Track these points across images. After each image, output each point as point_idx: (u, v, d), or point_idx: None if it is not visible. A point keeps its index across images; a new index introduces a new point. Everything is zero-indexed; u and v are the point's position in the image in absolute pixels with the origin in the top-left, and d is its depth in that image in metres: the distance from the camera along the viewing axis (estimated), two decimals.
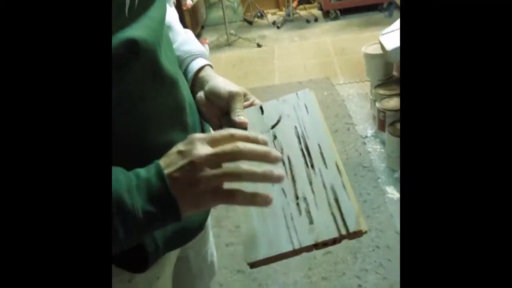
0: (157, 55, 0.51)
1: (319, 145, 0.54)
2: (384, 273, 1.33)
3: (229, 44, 3.53)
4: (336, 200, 0.49)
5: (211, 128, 0.67)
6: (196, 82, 0.62)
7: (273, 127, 0.59)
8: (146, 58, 0.49)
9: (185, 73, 0.63)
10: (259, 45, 3.38)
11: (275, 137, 0.57)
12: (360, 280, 1.33)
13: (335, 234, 0.46)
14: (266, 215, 0.50)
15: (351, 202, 0.48)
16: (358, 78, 2.50)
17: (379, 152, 1.86)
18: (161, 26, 0.54)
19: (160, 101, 0.53)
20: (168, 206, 0.43)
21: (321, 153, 0.53)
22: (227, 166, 0.45)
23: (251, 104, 0.62)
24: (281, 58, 3.10)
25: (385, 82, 1.94)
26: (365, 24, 3.40)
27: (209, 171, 0.44)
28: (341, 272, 1.36)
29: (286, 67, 2.93)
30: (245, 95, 0.61)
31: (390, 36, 1.53)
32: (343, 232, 0.46)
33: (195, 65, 0.63)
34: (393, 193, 1.63)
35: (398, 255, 1.38)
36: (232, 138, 0.46)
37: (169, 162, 0.44)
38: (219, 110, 0.60)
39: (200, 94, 0.61)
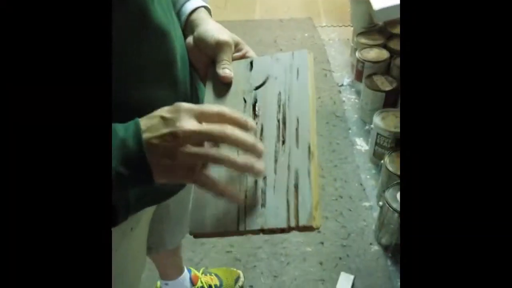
0: (147, 3, 0.45)
1: (297, 119, 0.50)
2: (343, 221, 1.39)
3: None
4: (296, 187, 0.46)
5: (202, 85, 0.63)
6: (187, 25, 0.56)
7: (257, 88, 0.54)
8: (133, 5, 0.43)
9: (178, 15, 0.57)
10: None
11: (255, 100, 0.53)
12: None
13: (283, 225, 0.44)
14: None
15: (310, 192, 0.45)
16: (341, 21, 2.42)
17: (353, 102, 1.85)
18: None
19: (148, 54, 0.48)
20: (141, 171, 0.40)
21: (297, 130, 0.49)
22: (208, 146, 0.43)
23: (243, 56, 0.57)
24: None
25: (368, 30, 1.89)
26: None
27: (189, 148, 0.41)
28: None
29: (268, 1, 2.78)
30: (237, 44, 0.56)
31: None
32: (292, 224, 0.44)
33: (189, 6, 0.57)
34: (362, 145, 1.65)
35: (359, 205, 1.44)
36: (222, 117, 0.43)
37: (150, 126, 0.41)
38: (207, 58, 0.55)
39: (189, 39, 0.56)
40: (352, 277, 1.21)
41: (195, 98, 0.61)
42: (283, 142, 0.49)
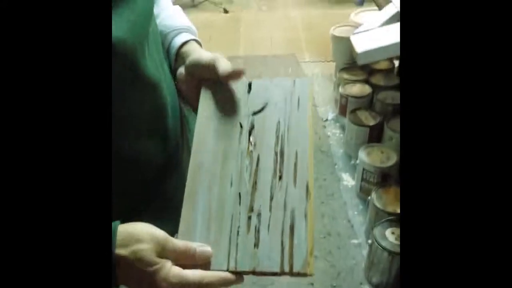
0: (137, 57, 0.44)
1: (296, 154, 0.48)
2: (333, 260, 1.36)
3: (194, 5, 3.36)
4: (292, 228, 0.44)
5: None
6: (178, 57, 0.55)
7: (255, 113, 0.51)
8: (123, 60, 0.42)
9: (168, 50, 0.56)
10: (226, 11, 3.25)
11: (252, 127, 0.50)
12: None
13: (276, 269, 0.43)
14: (212, 219, 0.46)
15: (306, 235, 0.43)
16: (324, 57, 2.47)
17: (338, 137, 1.86)
18: (147, 20, 0.46)
19: (138, 105, 0.47)
20: None
21: (295, 165, 0.47)
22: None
23: (239, 75, 0.54)
24: (247, 28, 2.99)
25: (350, 66, 1.92)
26: (336, 0, 3.34)
27: None
28: None
29: (252, 38, 2.84)
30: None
31: (361, 37, 1.49)
32: (286, 269, 0.42)
33: (179, 40, 0.56)
34: (348, 180, 1.64)
35: (347, 243, 1.41)
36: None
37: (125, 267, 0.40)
38: (199, 83, 0.53)
39: (180, 70, 0.54)
40: None
41: (188, 150, 0.60)
42: (280, 178, 0.47)
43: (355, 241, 1.41)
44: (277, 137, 0.49)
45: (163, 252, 0.41)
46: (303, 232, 0.44)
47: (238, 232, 0.45)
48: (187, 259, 0.42)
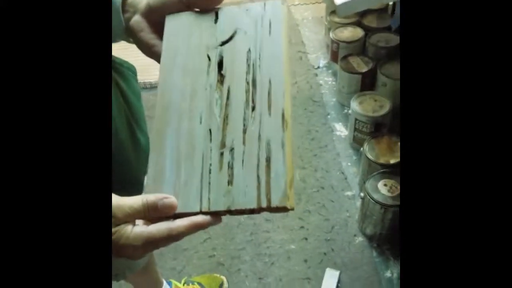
0: None
1: (270, 81, 0.44)
2: (327, 214, 1.35)
3: None
4: (268, 160, 0.41)
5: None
6: (126, 8, 0.49)
7: (223, 43, 0.47)
8: None
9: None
10: None
11: (221, 58, 0.47)
12: (303, 221, 1.34)
13: (252, 205, 0.39)
14: (182, 160, 0.43)
15: (284, 168, 0.40)
16: None
17: (330, 85, 1.80)
18: None
19: None
20: None
21: (269, 94, 0.44)
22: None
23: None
24: None
25: None
26: None
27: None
28: (284, 214, 1.36)
29: None
30: None
31: None
32: (264, 204, 0.39)
33: None
34: (341, 131, 1.60)
35: (341, 196, 1.40)
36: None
37: None
38: (160, 24, 0.48)
39: (135, 18, 0.48)
40: (337, 273, 1.18)
41: (130, 132, 0.55)
42: (253, 108, 0.44)
43: (349, 193, 1.40)
44: (248, 65, 0.46)
45: (118, 220, 0.37)
46: (280, 164, 0.40)
47: (210, 170, 0.42)
48: (150, 215, 0.39)
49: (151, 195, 0.39)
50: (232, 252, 1.28)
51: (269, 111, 0.43)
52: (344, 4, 1.26)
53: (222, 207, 0.40)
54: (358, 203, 1.34)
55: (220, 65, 0.46)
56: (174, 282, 1.14)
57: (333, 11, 1.81)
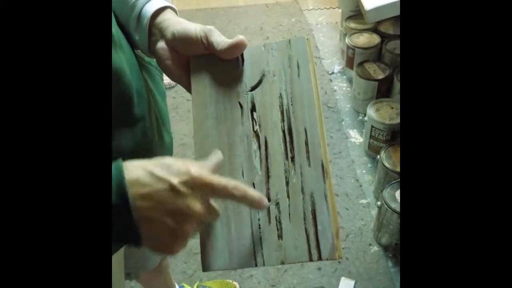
0: None
1: (305, 130, 0.43)
2: (341, 222, 1.33)
3: None
4: (314, 213, 0.41)
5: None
6: (154, 29, 0.47)
7: (253, 88, 0.46)
8: None
9: (138, 21, 0.48)
10: None
11: (253, 105, 0.46)
12: None
13: (304, 258, 0.41)
14: (231, 218, 0.43)
15: (329, 219, 0.41)
16: (328, 3, 2.32)
17: (345, 91, 1.78)
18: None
19: None
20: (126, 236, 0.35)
21: (306, 143, 0.43)
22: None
23: (239, 48, 0.47)
24: None
25: (357, 13, 1.80)
26: None
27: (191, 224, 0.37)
28: None
29: None
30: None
31: None
32: (315, 258, 0.41)
33: (150, 8, 0.47)
34: (356, 137, 1.59)
35: (356, 203, 1.38)
36: (235, 196, 0.39)
37: (148, 193, 0.35)
38: (186, 58, 0.47)
39: (160, 45, 0.47)
40: (352, 282, 1.16)
41: (158, 132, 0.54)
42: (292, 159, 0.44)
43: (364, 201, 1.38)
44: (281, 112, 0.45)
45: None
46: (325, 215, 0.42)
47: (259, 226, 0.43)
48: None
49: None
50: None
51: (308, 161, 0.43)
52: (375, 9, 1.25)
53: (275, 263, 0.41)
54: (373, 211, 1.32)
55: (253, 111, 0.46)
56: (186, 286, 1.12)
57: (349, 16, 1.80)
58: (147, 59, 0.56)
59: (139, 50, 0.52)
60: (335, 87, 1.81)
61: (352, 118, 1.66)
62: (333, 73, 1.87)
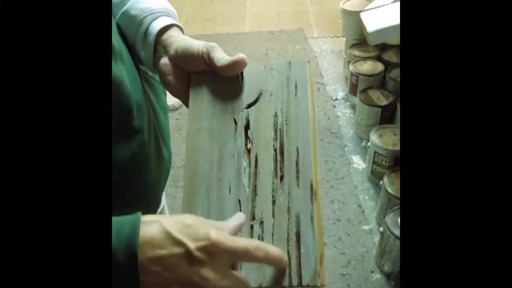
0: None
1: (297, 149, 0.43)
2: (343, 247, 1.31)
3: None
4: (298, 235, 0.40)
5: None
6: (158, 46, 0.48)
7: (249, 106, 0.46)
8: None
9: (144, 37, 0.49)
10: None
11: (247, 122, 0.46)
12: None
13: (284, 283, 0.39)
14: None
15: (313, 243, 0.39)
16: (333, 32, 2.36)
17: (348, 117, 1.79)
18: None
19: None
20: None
21: (297, 163, 0.42)
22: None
23: (240, 66, 0.48)
24: (253, 2, 2.87)
25: (361, 42, 1.83)
26: None
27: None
28: None
29: (258, 13, 2.73)
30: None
31: (372, 15, 1.38)
32: (295, 283, 0.39)
33: (157, 25, 0.48)
34: (359, 163, 1.58)
35: (358, 229, 1.36)
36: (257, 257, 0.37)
37: (161, 256, 0.33)
38: (188, 74, 0.48)
39: (164, 60, 0.48)
40: None
41: (156, 146, 0.54)
42: (281, 178, 0.43)
43: (366, 227, 1.36)
44: (275, 131, 0.45)
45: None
46: (310, 240, 0.40)
47: None
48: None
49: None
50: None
51: (297, 181, 0.42)
52: (376, 32, 1.27)
53: (253, 284, 0.39)
54: (376, 238, 1.30)
55: (247, 129, 0.46)
56: None
57: (353, 44, 1.83)
58: (150, 73, 0.57)
59: (143, 66, 0.53)
60: (339, 113, 1.82)
61: (355, 144, 1.66)
62: (336, 99, 1.89)
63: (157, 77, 0.58)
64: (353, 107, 1.80)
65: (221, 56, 0.45)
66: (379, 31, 1.29)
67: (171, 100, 1.76)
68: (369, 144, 1.44)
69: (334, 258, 1.28)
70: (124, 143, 0.46)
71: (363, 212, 1.41)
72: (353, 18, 1.79)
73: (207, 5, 2.86)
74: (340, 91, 1.92)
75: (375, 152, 1.41)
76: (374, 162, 1.44)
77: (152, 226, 0.33)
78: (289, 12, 2.69)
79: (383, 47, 1.77)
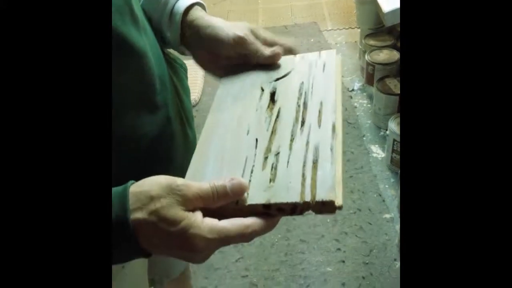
0: (120, 24, 0.40)
1: (321, 102, 0.44)
2: (364, 236, 1.30)
3: None
4: (315, 162, 0.37)
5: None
6: (186, 27, 0.50)
7: (277, 79, 0.49)
8: None
9: (170, 17, 0.51)
10: None
11: (274, 90, 0.48)
12: (339, 243, 1.30)
13: (294, 198, 0.35)
14: (225, 163, 0.40)
15: (333, 167, 0.36)
16: (347, 24, 2.35)
17: (366, 108, 1.77)
18: None
19: (123, 78, 0.42)
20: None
21: (320, 111, 0.43)
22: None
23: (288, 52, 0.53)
24: None
25: (376, 31, 1.81)
26: None
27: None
28: (320, 235, 1.32)
29: (271, 8, 2.73)
30: (252, 32, 0.51)
31: None
32: (307, 198, 0.34)
33: (182, 4, 0.50)
34: (378, 152, 1.57)
35: (379, 218, 1.35)
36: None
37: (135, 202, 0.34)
38: (224, 59, 0.52)
39: (195, 38, 0.51)
40: None
41: (181, 126, 0.55)
42: (302, 122, 0.42)
43: (387, 216, 1.35)
44: (300, 94, 0.47)
45: (188, 202, 0.34)
46: (328, 164, 0.37)
47: (252, 170, 0.39)
48: (218, 201, 0.35)
49: (214, 179, 0.36)
50: (266, 273, 1.25)
51: (318, 123, 0.42)
52: (392, 12, 1.27)
53: (260, 201, 0.36)
54: (397, 226, 1.29)
55: (273, 95, 0.48)
56: None
57: (368, 34, 1.82)
58: (172, 55, 0.58)
59: (167, 49, 0.55)
60: (356, 104, 1.80)
61: (373, 134, 1.65)
62: (353, 90, 1.88)
63: (178, 60, 0.60)
64: (369, 97, 1.78)
65: (255, 49, 0.49)
66: (395, 11, 1.28)
67: None
68: (387, 132, 1.42)
69: (356, 247, 1.28)
70: (149, 117, 0.47)
71: (383, 201, 1.40)
72: (368, 7, 1.77)
73: (220, 4, 2.87)
74: (356, 82, 1.91)
75: (394, 140, 1.40)
76: (393, 151, 1.42)
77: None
78: (302, 6, 2.68)
79: (399, 36, 1.75)
